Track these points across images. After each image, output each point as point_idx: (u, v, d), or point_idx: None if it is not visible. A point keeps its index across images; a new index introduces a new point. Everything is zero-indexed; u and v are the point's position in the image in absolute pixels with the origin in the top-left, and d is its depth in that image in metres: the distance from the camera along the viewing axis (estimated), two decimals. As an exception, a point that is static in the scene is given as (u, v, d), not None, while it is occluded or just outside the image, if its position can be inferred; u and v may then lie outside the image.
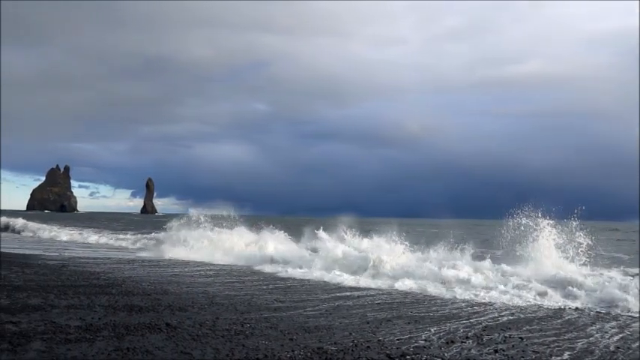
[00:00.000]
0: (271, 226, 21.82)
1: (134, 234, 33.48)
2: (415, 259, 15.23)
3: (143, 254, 20.62)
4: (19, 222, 41.33)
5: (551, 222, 13.89)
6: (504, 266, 13.53)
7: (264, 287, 11.82)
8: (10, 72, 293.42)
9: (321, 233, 18.46)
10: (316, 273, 14.01)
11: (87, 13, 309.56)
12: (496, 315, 8.92)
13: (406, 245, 15.72)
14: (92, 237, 31.11)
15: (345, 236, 18.43)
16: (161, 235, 26.85)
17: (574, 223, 13.79)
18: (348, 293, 11.16)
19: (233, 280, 12.93)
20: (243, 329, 7.23)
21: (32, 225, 39.94)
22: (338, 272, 13.72)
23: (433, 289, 11.37)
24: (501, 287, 11.27)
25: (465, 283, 11.69)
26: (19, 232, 37.85)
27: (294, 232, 22.55)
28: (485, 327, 7.90)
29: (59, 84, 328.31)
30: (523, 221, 14.04)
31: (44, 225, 41.12)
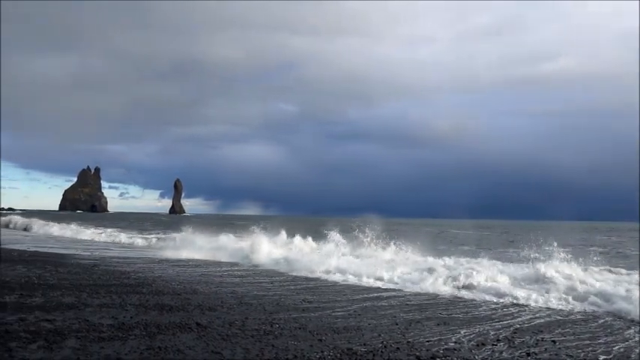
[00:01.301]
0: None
1: (150, 233, 33.96)
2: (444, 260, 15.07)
3: (166, 253, 20.91)
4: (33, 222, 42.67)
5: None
6: (533, 268, 13.34)
7: (292, 288, 11.84)
8: (45, 76, 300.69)
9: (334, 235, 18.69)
10: (346, 275, 13.94)
11: (118, 17, 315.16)
12: (528, 317, 8.77)
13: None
14: (120, 236, 31.64)
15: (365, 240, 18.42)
16: (178, 235, 27.41)
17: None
18: (376, 294, 11.11)
19: (261, 281, 12.99)
20: (272, 329, 7.26)
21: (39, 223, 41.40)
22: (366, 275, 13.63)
23: (462, 291, 11.24)
24: (531, 289, 11.06)
25: (495, 284, 11.51)
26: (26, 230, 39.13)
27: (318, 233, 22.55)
28: (517, 329, 7.78)
29: (91, 87, 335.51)
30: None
31: (53, 223, 42.36)
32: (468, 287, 11.57)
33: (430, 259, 16.82)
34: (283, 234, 22.28)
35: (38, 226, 41.46)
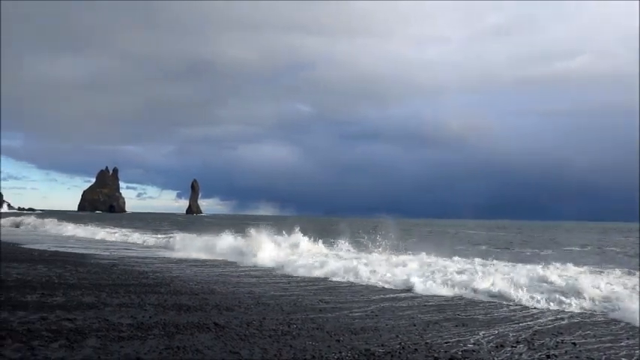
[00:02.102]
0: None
1: (164, 233, 34.18)
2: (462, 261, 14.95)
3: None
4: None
5: None
6: (552, 269, 13.19)
7: (309, 288, 11.85)
8: (62, 78, 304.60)
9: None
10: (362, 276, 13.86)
11: (133, 19, 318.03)
12: (547, 319, 8.67)
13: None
14: (133, 236, 32.01)
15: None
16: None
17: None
18: (393, 295, 11.07)
19: (278, 281, 13.02)
20: (289, 330, 7.27)
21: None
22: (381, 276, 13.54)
23: (482, 293, 11.14)
24: (551, 291, 10.93)
25: (514, 286, 11.39)
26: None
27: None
28: (536, 331, 7.70)
29: (108, 88, 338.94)
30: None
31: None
32: (485, 289, 11.44)
33: (446, 259, 16.74)
34: (296, 235, 22.25)
35: (51, 226, 41.91)
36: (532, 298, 10.40)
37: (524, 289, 10.94)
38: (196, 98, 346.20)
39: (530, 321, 8.49)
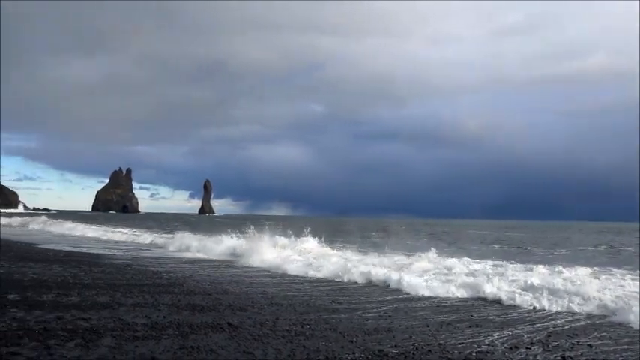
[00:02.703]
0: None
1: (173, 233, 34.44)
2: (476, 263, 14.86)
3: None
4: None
5: None
6: (568, 270, 13.08)
7: (322, 288, 11.85)
8: (76, 79, 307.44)
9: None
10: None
11: (148, 20, 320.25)
12: (563, 321, 8.60)
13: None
14: (143, 236, 32.27)
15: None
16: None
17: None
18: (407, 295, 11.04)
19: (291, 281, 13.03)
20: (303, 330, 7.28)
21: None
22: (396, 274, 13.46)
23: (495, 294, 11.06)
24: (567, 292, 10.82)
25: (529, 287, 11.31)
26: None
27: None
28: (551, 333, 7.64)
29: (121, 89, 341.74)
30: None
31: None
32: (498, 290, 11.35)
33: (460, 260, 16.66)
34: (306, 237, 22.25)
35: (56, 227, 42.26)
36: (546, 299, 10.31)
37: (538, 290, 10.85)
38: (210, 99, 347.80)
39: (544, 322, 8.42)
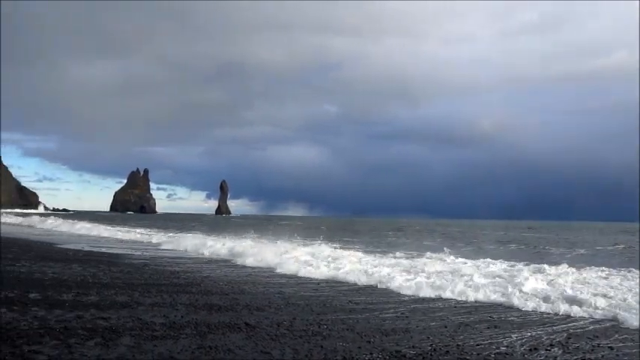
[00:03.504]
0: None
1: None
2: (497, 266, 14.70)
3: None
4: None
5: None
6: (586, 271, 12.94)
7: (338, 289, 11.84)
8: (94, 81, 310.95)
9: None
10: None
11: (163, 22, 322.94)
12: (583, 323, 8.48)
13: None
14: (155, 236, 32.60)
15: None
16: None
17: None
18: (424, 296, 10.98)
19: (307, 282, 13.03)
20: (320, 330, 7.28)
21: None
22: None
23: (513, 295, 10.95)
24: (589, 293, 10.68)
25: (548, 288, 11.19)
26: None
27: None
28: (571, 335, 7.54)
29: (139, 91, 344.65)
30: None
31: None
32: (520, 291, 11.23)
33: (477, 261, 16.55)
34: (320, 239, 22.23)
35: (66, 226, 42.83)
36: (565, 300, 10.18)
37: (556, 291, 10.72)
38: (225, 100, 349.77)
39: (564, 324, 8.32)
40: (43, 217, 52.98)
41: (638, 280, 12.02)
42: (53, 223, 44.77)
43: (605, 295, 10.13)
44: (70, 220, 48.90)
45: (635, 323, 8.17)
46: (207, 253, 21.02)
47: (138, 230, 38.46)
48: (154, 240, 28.61)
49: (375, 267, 14.92)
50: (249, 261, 17.20)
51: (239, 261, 17.64)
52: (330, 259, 17.15)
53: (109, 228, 39.16)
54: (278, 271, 14.97)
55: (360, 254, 19.22)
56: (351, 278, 13.21)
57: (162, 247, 24.28)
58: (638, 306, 9.06)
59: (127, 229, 39.64)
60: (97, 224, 44.19)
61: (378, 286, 12.31)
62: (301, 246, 21.62)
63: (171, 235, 31.02)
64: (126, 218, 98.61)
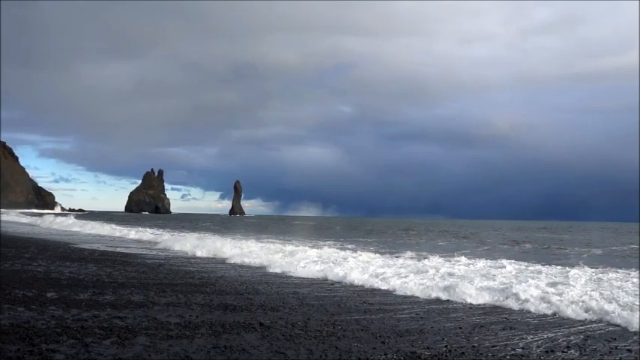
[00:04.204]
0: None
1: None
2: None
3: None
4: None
5: None
6: (603, 272, 12.78)
7: (353, 290, 11.82)
8: (110, 83, 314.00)
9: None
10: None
11: (178, 24, 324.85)
12: (601, 324, 8.38)
13: None
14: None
15: None
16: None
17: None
18: (437, 297, 10.91)
19: (321, 283, 13.02)
20: (334, 331, 7.28)
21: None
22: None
23: (529, 296, 10.85)
24: (600, 295, 10.56)
25: (564, 289, 11.07)
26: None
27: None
28: (588, 336, 7.46)
29: (154, 92, 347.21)
30: None
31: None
32: (536, 292, 11.12)
33: (493, 261, 16.43)
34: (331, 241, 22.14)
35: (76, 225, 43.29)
36: (581, 301, 10.07)
37: (572, 292, 10.61)
38: (240, 101, 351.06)
39: (580, 326, 8.24)
40: (53, 217, 53.46)
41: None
42: (61, 223, 45.05)
43: (620, 298, 10.00)
44: (83, 221, 49.25)
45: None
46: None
47: (150, 230, 38.67)
48: (162, 244, 28.53)
49: (389, 267, 14.87)
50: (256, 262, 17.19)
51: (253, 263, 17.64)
52: (341, 259, 17.12)
53: (120, 228, 39.42)
54: (290, 273, 14.93)
55: (372, 255, 19.13)
56: (363, 280, 13.15)
57: (174, 249, 24.37)
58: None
59: (138, 229, 39.88)
60: (105, 224, 44.53)
61: (392, 288, 12.24)
62: (313, 247, 21.60)
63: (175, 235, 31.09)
64: (140, 218, 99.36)
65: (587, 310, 9.19)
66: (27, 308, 7.77)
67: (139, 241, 28.73)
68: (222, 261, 17.79)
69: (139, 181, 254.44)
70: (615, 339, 7.36)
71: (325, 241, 30.58)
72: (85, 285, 10.46)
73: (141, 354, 5.70)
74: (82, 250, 20.25)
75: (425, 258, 17.99)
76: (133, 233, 34.33)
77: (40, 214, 68.83)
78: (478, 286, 11.43)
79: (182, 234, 33.29)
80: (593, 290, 10.80)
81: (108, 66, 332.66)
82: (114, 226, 42.49)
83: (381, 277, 13.12)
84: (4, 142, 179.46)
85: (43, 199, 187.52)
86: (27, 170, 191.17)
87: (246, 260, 17.37)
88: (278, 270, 14.93)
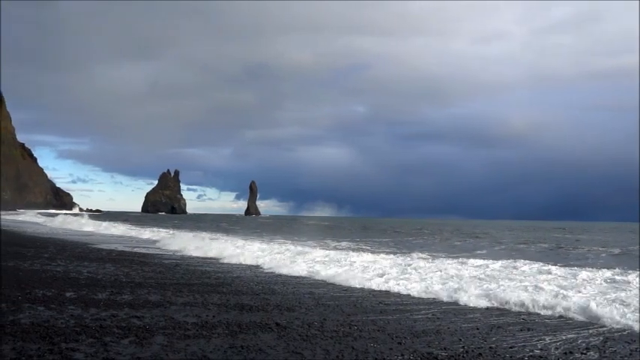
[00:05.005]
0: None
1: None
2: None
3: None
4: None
5: None
6: (624, 273, 12.62)
7: (368, 290, 11.78)
8: (127, 85, 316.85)
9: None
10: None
11: (192, 25, 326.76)
12: (618, 327, 8.26)
13: None
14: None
15: None
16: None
17: None
18: (453, 298, 10.84)
19: (337, 283, 12.99)
20: (350, 331, 7.27)
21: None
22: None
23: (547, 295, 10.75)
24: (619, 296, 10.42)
25: (582, 289, 10.95)
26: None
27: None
28: (608, 338, 7.37)
29: (169, 93, 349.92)
30: None
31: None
32: (554, 293, 11.01)
33: (511, 262, 16.31)
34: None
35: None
36: (600, 303, 9.95)
37: (590, 293, 10.49)
38: (255, 101, 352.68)
39: (599, 327, 8.13)
40: (63, 217, 54.03)
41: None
42: (71, 223, 45.50)
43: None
44: (96, 221, 49.74)
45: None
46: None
47: (164, 230, 38.94)
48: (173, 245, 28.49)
49: (402, 267, 14.84)
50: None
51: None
52: (353, 260, 17.10)
53: (136, 228, 39.80)
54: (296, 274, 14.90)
55: (385, 255, 19.10)
56: (378, 281, 13.10)
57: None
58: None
59: (154, 229, 40.19)
60: (119, 224, 45.00)
61: (408, 289, 12.19)
62: (324, 248, 21.59)
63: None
64: (156, 219, 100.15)
65: (603, 312, 9.08)
66: (47, 307, 7.87)
67: (149, 241, 28.95)
68: (238, 263, 17.79)
69: (155, 182, 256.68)
70: (635, 341, 7.26)
71: (340, 241, 30.58)
72: (103, 285, 10.57)
73: (159, 353, 5.75)
74: (100, 250, 20.45)
75: (439, 258, 17.93)
76: (147, 233, 34.62)
77: (56, 215, 69.62)
78: (496, 287, 11.34)
79: (196, 234, 33.43)
80: (611, 291, 10.68)
81: (123, 67, 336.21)
82: (130, 226, 42.91)
83: (395, 277, 13.07)
84: (23, 144, 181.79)
85: (61, 200, 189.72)
86: (45, 171, 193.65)
87: (260, 262, 17.28)
88: (289, 272, 14.72)
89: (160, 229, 39.67)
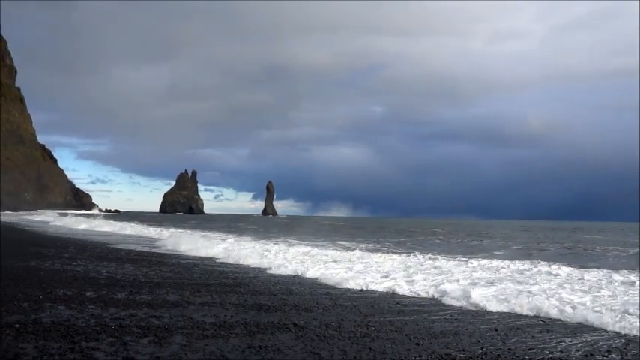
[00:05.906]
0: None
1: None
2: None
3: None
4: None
5: None
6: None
7: (386, 291, 11.75)
8: (145, 86, 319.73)
9: None
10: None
11: (209, 27, 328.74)
12: (641, 327, 8.14)
13: None
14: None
15: None
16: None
17: None
18: (471, 299, 10.76)
19: (354, 284, 12.97)
20: (368, 332, 7.26)
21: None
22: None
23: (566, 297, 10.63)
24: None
25: (602, 290, 10.81)
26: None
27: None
28: (630, 340, 7.26)
29: (187, 94, 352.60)
30: None
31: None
32: (574, 294, 10.88)
33: (530, 263, 16.16)
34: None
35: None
36: (618, 304, 9.80)
37: (610, 294, 10.35)
38: (272, 102, 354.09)
39: (621, 329, 8.01)
40: (74, 217, 54.63)
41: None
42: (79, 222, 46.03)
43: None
44: (111, 221, 50.30)
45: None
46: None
47: (179, 230, 39.23)
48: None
49: (419, 267, 14.78)
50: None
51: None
52: (369, 260, 17.07)
53: (155, 229, 40.18)
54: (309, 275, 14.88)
55: (402, 256, 19.01)
56: (392, 283, 13.05)
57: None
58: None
59: (170, 229, 40.51)
60: (135, 224, 45.49)
61: (424, 289, 12.13)
62: (340, 249, 21.57)
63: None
64: (173, 219, 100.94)
65: (626, 314, 8.93)
66: (67, 307, 7.98)
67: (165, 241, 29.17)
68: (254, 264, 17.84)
69: (173, 183, 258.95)
70: (658, 343, 7.15)
71: (356, 242, 30.54)
72: (123, 284, 10.68)
73: (177, 353, 5.80)
74: (119, 250, 20.67)
75: (456, 258, 17.82)
76: (166, 233, 34.90)
77: (66, 214, 70.45)
78: (514, 288, 11.24)
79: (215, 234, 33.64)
80: (632, 293, 10.53)
81: (142, 69, 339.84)
82: (146, 226, 43.29)
83: (411, 278, 13.02)
84: (44, 145, 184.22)
85: (80, 201, 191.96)
86: (65, 172, 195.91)
87: (276, 263, 17.16)
88: (305, 273, 14.62)
89: (178, 229, 39.98)
